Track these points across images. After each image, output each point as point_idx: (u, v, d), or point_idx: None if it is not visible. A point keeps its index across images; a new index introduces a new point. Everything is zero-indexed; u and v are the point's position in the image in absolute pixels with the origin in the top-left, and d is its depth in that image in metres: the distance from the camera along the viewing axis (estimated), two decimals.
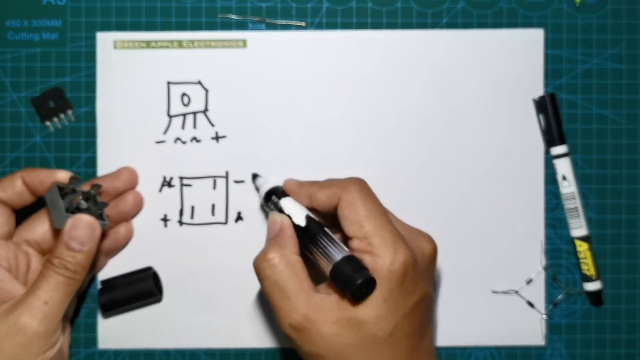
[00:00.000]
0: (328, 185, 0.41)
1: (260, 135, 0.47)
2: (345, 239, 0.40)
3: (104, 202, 0.43)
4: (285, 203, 0.43)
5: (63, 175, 0.42)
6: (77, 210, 0.42)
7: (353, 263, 0.38)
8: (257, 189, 0.46)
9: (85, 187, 0.43)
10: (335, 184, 0.40)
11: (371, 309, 0.37)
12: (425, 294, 0.39)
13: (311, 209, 0.42)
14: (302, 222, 0.41)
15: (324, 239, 0.39)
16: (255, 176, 0.47)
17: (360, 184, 0.40)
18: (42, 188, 0.43)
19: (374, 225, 0.38)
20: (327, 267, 0.38)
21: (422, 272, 0.39)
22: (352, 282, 0.37)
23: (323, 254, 0.39)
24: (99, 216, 0.42)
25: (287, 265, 0.39)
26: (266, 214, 0.46)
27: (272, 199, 0.44)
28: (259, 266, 0.39)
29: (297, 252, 0.40)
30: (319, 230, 0.40)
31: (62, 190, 0.42)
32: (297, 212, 0.42)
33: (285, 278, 0.38)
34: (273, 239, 0.40)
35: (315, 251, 0.40)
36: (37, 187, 0.43)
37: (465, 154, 0.47)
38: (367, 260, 0.38)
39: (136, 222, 0.47)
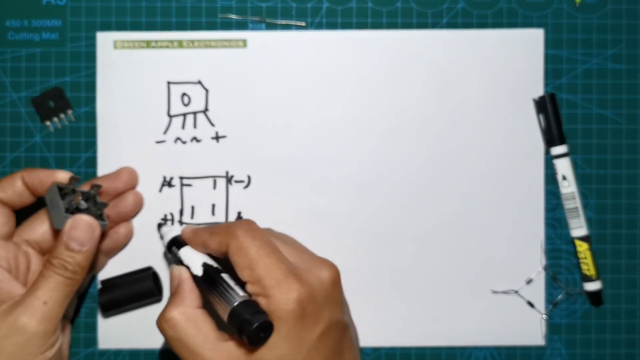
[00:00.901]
0: (217, 231, 0.40)
1: (260, 135, 0.47)
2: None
3: (103, 203, 0.43)
4: (184, 253, 0.42)
5: (63, 176, 0.42)
6: (77, 210, 0.42)
7: (249, 307, 0.37)
8: (161, 238, 0.45)
9: (85, 188, 0.43)
10: (224, 229, 0.40)
11: (274, 350, 0.37)
12: (331, 322, 0.38)
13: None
14: (199, 272, 0.40)
15: (222, 286, 0.39)
16: (160, 225, 0.46)
17: (246, 226, 0.39)
18: (42, 188, 0.42)
19: (264, 266, 0.38)
20: (225, 314, 0.38)
21: (323, 301, 0.38)
22: (249, 327, 0.36)
23: (221, 300, 0.38)
24: (99, 216, 0.42)
25: (187, 321, 0.39)
26: (169, 264, 0.46)
27: (172, 249, 0.43)
28: (161, 327, 0.39)
29: (197, 305, 0.40)
30: (217, 277, 0.40)
31: (62, 190, 0.42)
32: (194, 261, 0.41)
33: (187, 334, 0.38)
34: (172, 296, 0.40)
35: (214, 298, 0.39)
36: (37, 187, 0.43)
37: (465, 154, 0.47)
38: (262, 302, 0.37)
39: (136, 222, 0.47)
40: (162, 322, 0.39)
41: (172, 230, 0.44)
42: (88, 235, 0.41)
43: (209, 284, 0.40)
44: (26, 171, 0.43)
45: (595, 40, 0.47)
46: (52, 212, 0.42)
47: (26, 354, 0.39)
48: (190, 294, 0.40)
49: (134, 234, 0.47)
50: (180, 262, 0.42)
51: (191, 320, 0.39)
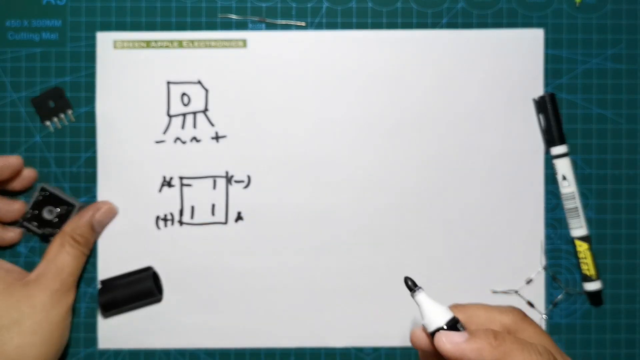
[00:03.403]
0: (520, 356, 0.34)
1: (260, 135, 0.47)
2: None
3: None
4: None
5: (15, 161, 0.46)
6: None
7: None
8: (416, 302, 0.37)
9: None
10: (528, 357, 0.34)
11: None
12: None
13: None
14: None
15: None
16: (414, 288, 0.37)
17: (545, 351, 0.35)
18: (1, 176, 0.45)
19: None
20: None
21: None
22: None
23: None
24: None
25: None
26: None
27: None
28: None
29: None
30: None
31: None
32: None
33: None
34: None
35: None
36: None
37: (465, 154, 0.47)
38: None
39: (136, 222, 0.47)
40: None
41: (433, 311, 0.36)
42: (109, 220, 0.47)
43: None
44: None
45: (595, 40, 0.47)
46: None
47: (44, 315, 0.42)
48: None
49: (134, 234, 0.47)
50: None
51: None
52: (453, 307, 0.37)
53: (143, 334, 0.47)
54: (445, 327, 0.35)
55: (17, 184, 0.46)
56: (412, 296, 0.36)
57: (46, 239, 0.46)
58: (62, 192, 0.46)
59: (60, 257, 0.44)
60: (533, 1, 0.48)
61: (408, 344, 0.47)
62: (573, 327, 0.47)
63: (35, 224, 0.46)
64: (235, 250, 0.47)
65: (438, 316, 0.35)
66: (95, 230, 0.46)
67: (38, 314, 0.42)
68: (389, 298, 0.47)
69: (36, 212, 0.46)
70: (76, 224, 0.45)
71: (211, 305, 0.47)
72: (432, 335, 0.35)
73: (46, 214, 0.46)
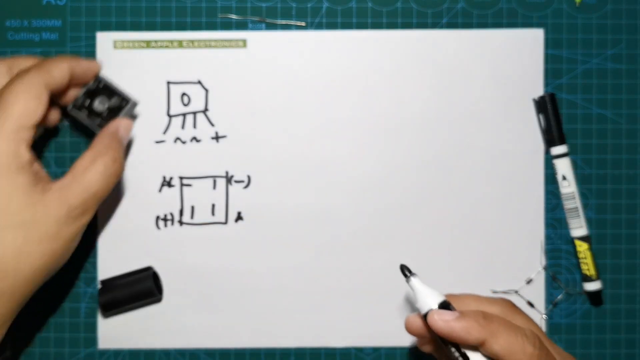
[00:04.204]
0: (506, 335, 0.36)
1: (260, 135, 0.47)
2: None
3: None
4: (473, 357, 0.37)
5: (99, 67, 0.44)
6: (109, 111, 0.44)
7: None
8: (410, 286, 0.39)
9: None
10: (514, 337, 0.36)
11: None
12: None
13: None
14: None
15: None
16: (407, 273, 0.39)
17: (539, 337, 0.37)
18: (83, 79, 0.43)
19: None
20: None
21: None
22: None
23: None
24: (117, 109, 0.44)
25: None
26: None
27: (449, 346, 0.37)
28: None
29: None
30: None
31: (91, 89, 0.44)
32: (475, 356, 0.36)
33: None
34: None
35: None
36: (79, 77, 0.42)
37: (465, 154, 0.47)
38: None
39: (136, 222, 0.47)
40: None
41: (427, 294, 0.38)
42: (128, 135, 0.44)
43: None
44: (73, 59, 0.42)
45: (595, 40, 0.47)
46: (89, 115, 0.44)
47: (56, 229, 0.39)
48: None
49: (134, 234, 0.47)
50: (449, 352, 0.37)
51: None
52: (446, 296, 0.38)
53: (143, 334, 0.47)
54: (437, 308, 0.37)
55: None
56: (407, 282, 0.38)
57: (92, 132, 0.44)
58: (118, 86, 0.44)
59: (89, 174, 0.40)
60: (533, 1, 0.48)
61: (408, 344, 0.47)
62: (573, 327, 0.47)
63: (85, 112, 0.43)
64: (235, 250, 0.47)
65: (431, 299, 0.37)
66: (122, 148, 0.43)
67: (50, 225, 0.38)
68: (389, 298, 0.47)
69: (88, 100, 0.43)
70: (105, 142, 0.42)
71: (211, 305, 0.47)
72: (425, 317, 0.37)
73: (98, 105, 0.44)
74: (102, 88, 0.44)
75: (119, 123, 0.43)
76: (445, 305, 0.37)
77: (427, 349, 0.41)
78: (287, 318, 0.47)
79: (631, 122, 0.48)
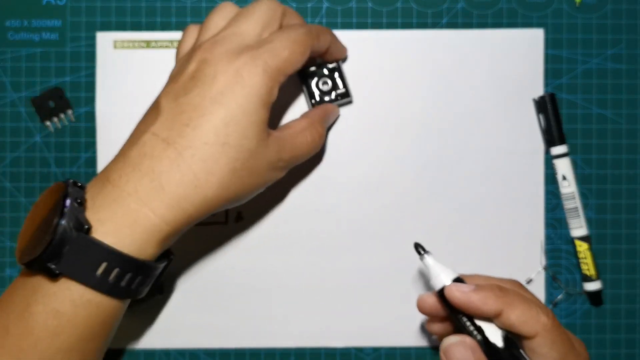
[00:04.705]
0: (522, 306, 0.37)
1: None
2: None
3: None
4: (483, 323, 0.37)
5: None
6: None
7: None
8: (425, 265, 0.40)
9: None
10: (528, 308, 0.37)
11: None
12: None
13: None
14: (498, 342, 0.37)
15: None
16: (422, 251, 0.40)
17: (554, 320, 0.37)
18: (331, 56, 0.46)
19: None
20: None
21: None
22: None
23: None
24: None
25: None
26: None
27: (458, 315, 0.38)
28: None
29: None
30: (520, 356, 0.36)
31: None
32: (491, 329, 0.37)
33: None
34: None
35: None
36: (330, 53, 0.45)
37: (465, 154, 0.47)
38: None
39: None
40: None
41: (441, 271, 0.39)
42: (331, 121, 0.47)
43: None
44: (334, 36, 0.45)
45: (595, 40, 0.47)
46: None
47: (262, 170, 0.41)
48: None
49: None
50: (463, 326, 0.38)
51: None
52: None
53: (143, 334, 0.47)
54: (449, 284, 0.38)
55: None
56: (421, 259, 0.40)
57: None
58: (347, 79, 0.47)
59: (300, 138, 0.43)
60: (533, 1, 0.48)
61: (408, 344, 0.47)
62: (573, 327, 0.47)
63: (313, 82, 0.46)
64: (235, 250, 0.47)
65: (444, 275, 0.39)
66: (326, 127, 0.46)
67: (263, 163, 0.40)
68: (389, 298, 0.47)
69: (324, 75, 0.46)
70: (319, 117, 0.45)
71: (211, 305, 0.47)
72: (439, 294, 0.39)
73: (323, 84, 0.46)
74: (336, 73, 0.46)
75: (333, 107, 0.46)
76: (458, 281, 0.38)
77: (435, 328, 0.41)
78: (287, 318, 0.47)
79: (631, 122, 0.48)
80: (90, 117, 0.47)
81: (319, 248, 0.47)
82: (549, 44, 0.47)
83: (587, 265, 0.46)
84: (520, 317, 0.36)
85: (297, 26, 0.42)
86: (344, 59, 0.47)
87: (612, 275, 0.47)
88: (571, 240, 0.47)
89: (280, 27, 0.42)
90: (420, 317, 0.47)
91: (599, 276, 0.47)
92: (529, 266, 0.47)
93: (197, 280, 0.47)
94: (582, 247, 0.47)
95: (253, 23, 0.41)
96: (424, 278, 0.47)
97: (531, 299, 0.38)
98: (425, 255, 0.40)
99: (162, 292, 0.47)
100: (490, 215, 0.47)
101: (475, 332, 0.37)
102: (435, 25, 0.47)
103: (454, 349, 0.37)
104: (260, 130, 0.39)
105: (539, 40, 0.47)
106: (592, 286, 0.47)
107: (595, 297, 0.47)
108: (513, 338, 0.37)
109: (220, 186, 0.38)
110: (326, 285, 0.47)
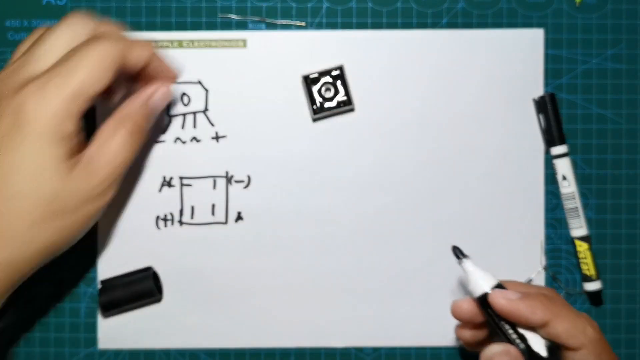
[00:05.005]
0: (569, 317, 0.36)
1: (260, 135, 0.47)
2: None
3: None
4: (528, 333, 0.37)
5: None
6: None
7: None
8: (463, 268, 0.40)
9: None
10: (575, 320, 0.36)
11: None
12: None
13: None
14: (542, 351, 0.36)
15: None
16: (460, 254, 0.40)
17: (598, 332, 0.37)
18: (153, 77, 0.41)
19: None
20: None
21: None
22: None
23: None
24: None
25: None
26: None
27: (497, 320, 0.37)
28: None
29: None
30: None
31: None
32: (534, 339, 0.37)
33: None
34: None
35: None
36: (151, 72, 0.40)
37: (465, 154, 0.47)
38: None
39: (136, 222, 0.47)
40: None
41: (480, 277, 0.39)
42: (164, 105, 0.42)
43: None
44: (158, 53, 0.40)
45: (595, 40, 0.47)
46: None
47: (90, 200, 0.38)
48: None
49: (134, 234, 0.47)
50: (505, 334, 0.37)
51: None
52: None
53: (143, 334, 0.47)
54: (490, 291, 0.38)
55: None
56: (459, 264, 0.39)
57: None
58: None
59: (114, 142, 0.38)
60: (533, 1, 0.48)
61: (408, 344, 0.47)
62: None
63: None
64: (235, 250, 0.47)
65: (485, 281, 0.38)
66: (150, 116, 0.41)
67: (72, 201, 0.36)
68: (389, 298, 0.47)
69: None
70: (131, 109, 0.40)
71: (211, 305, 0.47)
72: (479, 300, 0.38)
73: (324, 91, 0.46)
74: (339, 80, 0.46)
75: (154, 90, 0.41)
76: (499, 287, 0.38)
77: (467, 335, 0.40)
78: (287, 318, 0.47)
79: (631, 122, 0.48)
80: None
81: (319, 248, 0.47)
82: (549, 44, 0.47)
83: (587, 265, 0.46)
84: (567, 329, 0.35)
85: (101, 39, 0.37)
86: (171, 82, 0.43)
87: (612, 275, 0.47)
88: (571, 240, 0.47)
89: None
90: (420, 317, 0.47)
91: (599, 276, 0.47)
92: (529, 266, 0.47)
93: (197, 280, 0.47)
94: (582, 247, 0.46)
95: (50, 45, 0.36)
96: (424, 278, 0.47)
97: (573, 308, 0.37)
98: (464, 260, 0.39)
99: (161, 292, 0.47)
100: (490, 215, 0.47)
101: (518, 341, 0.36)
102: (435, 25, 0.47)
103: (498, 359, 0.36)
104: (56, 168, 0.35)
105: (539, 40, 0.47)
106: (592, 286, 0.47)
107: (595, 297, 0.47)
108: (556, 348, 0.36)
109: (24, 243, 0.35)
110: (326, 285, 0.47)
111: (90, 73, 0.35)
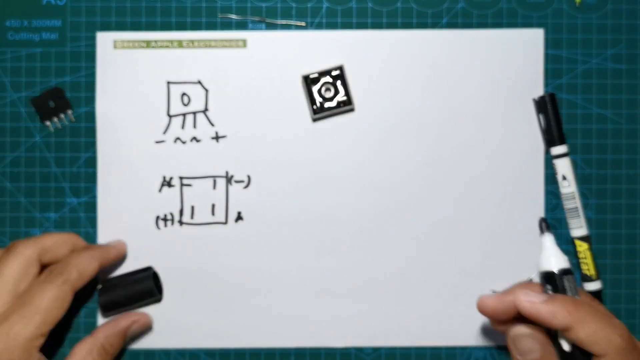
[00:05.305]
0: (594, 324, 0.36)
1: (260, 135, 0.47)
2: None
3: None
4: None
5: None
6: None
7: None
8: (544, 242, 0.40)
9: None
10: (601, 327, 0.36)
11: None
12: None
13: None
14: (565, 347, 0.37)
15: None
16: (545, 225, 0.40)
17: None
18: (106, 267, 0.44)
19: None
20: None
21: None
22: None
23: None
24: None
25: None
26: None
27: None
28: None
29: None
30: None
31: None
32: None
33: None
34: None
35: None
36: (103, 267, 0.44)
37: (465, 154, 0.47)
38: None
39: (136, 222, 0.47)
40: None
41: (553, 255, 0.39)
42: (143, 334, 0.46)
43: None
44: (103, 254, 0.44)
45: (595, 40, 0.47)
46: None
47: None
48: None
49: (134, 234, 0.47)
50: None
51: None
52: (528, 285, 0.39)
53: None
54: (556, 272, 0.38)
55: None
56: (540, 235, 0.40)
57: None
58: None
59: None
60: (533, 1, 0.48)
61: (408, 343, 0.47)
62: None
63: None
64: (235, 250, 0.47)
65: (555, 260, 0.39)
66: (126, 340, 0.45)
67: None
68: (389, 298, 0.47)
69: None
70: (110, 333, 0.44)
71: (211, 305, 0.47)
72: (542, 275, 0.38)
73: (324, 91, 0.46)
74: (339, 80, 0.46)
75: (133, 319, 0.45)
76: (566, 273, 0.38)
77: (502, 328, 0.40)
78: (287, 318, 0.47)
79: (631, 122, 0.48)
80: (90, 117, 0.47)
81: (319, 248, 0.47)
82: (549, 44, 0.47)
83: (587, 265, 0.46)
84: (590, 336, 0.35)
85: (54, 276, 0.40)
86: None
87: (612, 275, 0.47)
88: (571, 240, 0.47)
89: (40, 271, 0.41)
90: (420, 317, 0.47)
91: (599, 276, 0.47)
92: (529, 266, 0.47)
93: (197, 280, 0.47)
94: (582, 247, 0.46)
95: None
96: (425, 277, 0.47)
97: (606, 314, 0.36)
98: (546, 234, 0.40)
99: (161, 292, 0.47)
100: (490, 215, 0.47)
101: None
102: (435, 25, 0.47)
103: (523, 340, 0.36)
104: None
105: (539, 40, 0.47)
106: (592, 286, 0.47)
107: (595, 297, 0.47)
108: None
109: None
110: (326, 285, 0.47)
111: (48, 313, 0.39)
